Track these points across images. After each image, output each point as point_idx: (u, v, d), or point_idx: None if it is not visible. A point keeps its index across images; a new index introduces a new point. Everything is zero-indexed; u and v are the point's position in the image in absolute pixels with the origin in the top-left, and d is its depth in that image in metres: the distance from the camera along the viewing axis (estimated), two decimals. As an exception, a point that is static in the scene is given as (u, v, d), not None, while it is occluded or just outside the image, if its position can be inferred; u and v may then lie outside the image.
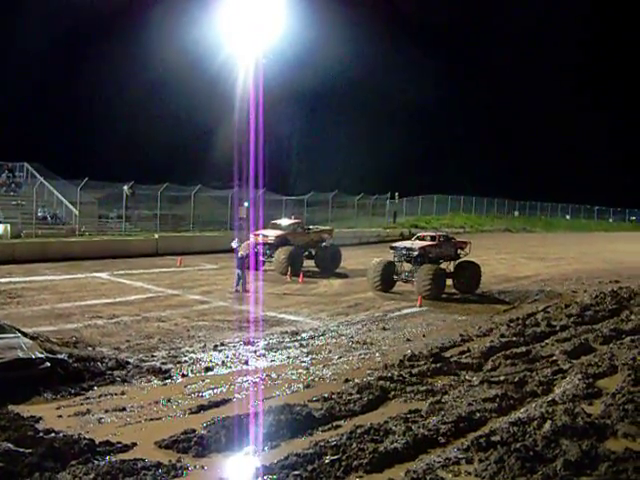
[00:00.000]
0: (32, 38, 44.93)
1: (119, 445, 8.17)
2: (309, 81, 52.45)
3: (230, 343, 14.38)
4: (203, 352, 13.52)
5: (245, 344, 14.37)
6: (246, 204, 36.21)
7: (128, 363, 12.13)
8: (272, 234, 27.25)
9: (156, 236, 33.41)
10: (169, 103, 51.64)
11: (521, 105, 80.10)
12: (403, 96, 63.14)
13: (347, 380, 11.51)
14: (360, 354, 13.94)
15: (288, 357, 13.53)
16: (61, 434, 8.35)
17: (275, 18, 38.55)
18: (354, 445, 8.20)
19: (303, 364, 12.91)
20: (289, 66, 44.73)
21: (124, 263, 27.25)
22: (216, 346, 13.99)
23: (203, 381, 11.45)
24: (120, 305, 18.21)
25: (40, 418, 8.99)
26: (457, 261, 23.79)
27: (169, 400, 10.23)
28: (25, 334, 11.83)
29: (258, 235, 27.07)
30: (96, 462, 7.61)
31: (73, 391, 10.42)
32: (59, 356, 11.25)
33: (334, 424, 9.23)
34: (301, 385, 11.39)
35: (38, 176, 35.90)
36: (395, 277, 22.98)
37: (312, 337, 15.54)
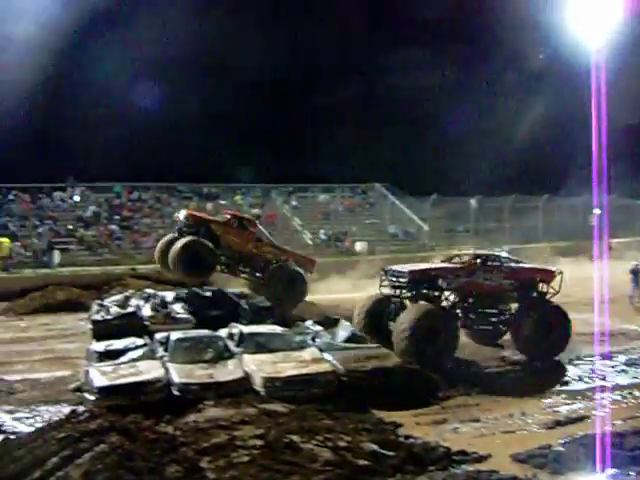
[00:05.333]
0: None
1: (474, 455, 8.35)
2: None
3: (586, 357, 13.68)
4: (558, 366, 13.05)
5: (602, 358, 13.52)
6: (597, 211, 33.81)
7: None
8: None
9: (505, 248, 33.07)
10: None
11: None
12: None
13: None
14: None
15: (652, 374, 12.34)
16: (420, 440, 8.81)
17: None
18: None
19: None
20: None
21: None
22: (571, 360, 13.45)
23: (558, 395, 11.10)
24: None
25: (400, 424, 9.57)
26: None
27: (524, 413, 10.14)
28: (380, 346, 12.61)
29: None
30: (452, 469, 7.89)
31: (430, 400, 10.85)
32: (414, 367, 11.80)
33: None
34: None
35: (390, 195, 38.39)
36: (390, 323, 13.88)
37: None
